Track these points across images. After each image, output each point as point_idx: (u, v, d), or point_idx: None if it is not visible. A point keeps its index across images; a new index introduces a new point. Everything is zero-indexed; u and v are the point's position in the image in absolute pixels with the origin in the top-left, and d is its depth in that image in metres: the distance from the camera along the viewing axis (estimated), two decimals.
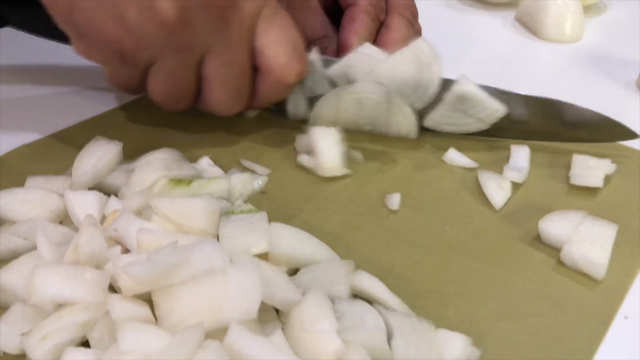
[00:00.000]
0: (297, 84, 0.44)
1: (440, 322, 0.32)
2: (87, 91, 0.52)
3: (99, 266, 0.32)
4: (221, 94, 0.42)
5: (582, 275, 0.36)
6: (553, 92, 0.54)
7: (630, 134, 0.45)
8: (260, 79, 0.43)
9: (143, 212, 0.35)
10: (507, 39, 0.63)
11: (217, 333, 0.27)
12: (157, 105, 0.43)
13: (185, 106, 0.44)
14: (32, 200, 0.35)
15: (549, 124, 0.46)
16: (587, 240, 0.36)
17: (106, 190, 0.38)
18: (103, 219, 0.36)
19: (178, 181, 0.37)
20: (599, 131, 0.45)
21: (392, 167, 0.45)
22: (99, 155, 0.39)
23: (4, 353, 0.30)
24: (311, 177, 0.43)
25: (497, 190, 0.41)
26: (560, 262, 0.37)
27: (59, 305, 0.30)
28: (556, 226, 0.37)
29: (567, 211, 0.38)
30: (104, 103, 0.50)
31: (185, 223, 0.33)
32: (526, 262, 0.37)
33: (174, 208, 0.33)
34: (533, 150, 0.46)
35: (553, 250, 0.37)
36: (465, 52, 0.61)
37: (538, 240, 0.38)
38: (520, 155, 0.45)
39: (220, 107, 0.43)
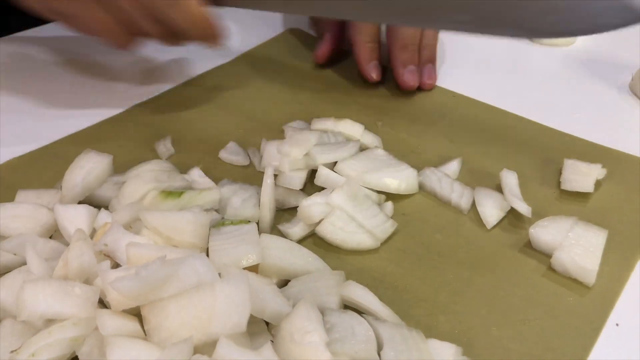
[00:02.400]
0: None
1: (431, 331, 0.32)
2: (78, 103, 0.51)
3: (88, 281, 0.32)
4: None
5: (572, 282, 0.36)
6: (546, 96, 0.55)
7: None
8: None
9: (133, 225, 0.35)
10: (500, 42, 0.63)
11: (207, 347, 0.27)
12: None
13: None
14: (22, 215, 0.35)
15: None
16: (578, 246, 0.36)
17: (96, 203, 0.38)
18: (93, 232, 0.36)
19: (169, 193, 0.37)
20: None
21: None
22: (89, 168, 0.39)
23: None
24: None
25: (493, 210, 0.41)
26: (551, 269, 0.37)
27: (49, 321, 0.30)
28: (547, 232, 0.37)
29: (558, 217, 0.38)
30: (94, 115, 0.50)
31: (174, 237, 0.33)
32: (517, 269, 0.37)
33: (163, 221, 0.33)
34: (524, 153, 0.46)
35: (544, 256, 0.37)
36: (458, 55, 0.61)
37: (529, 247, 0.38)
38: (511, 181, 0.43)
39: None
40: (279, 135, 0.47)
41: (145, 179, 0.38)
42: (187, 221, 0.34)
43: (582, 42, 0.65)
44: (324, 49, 0.57)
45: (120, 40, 0.47)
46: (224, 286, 0.28)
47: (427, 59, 0.55)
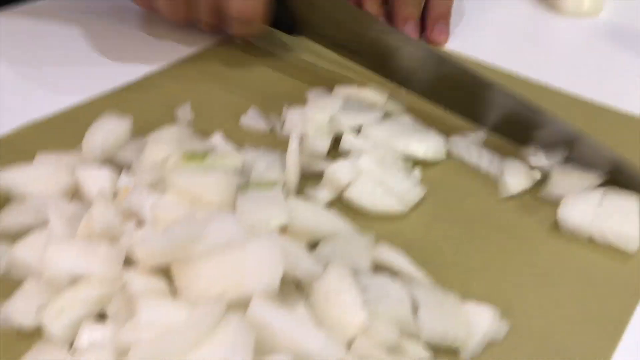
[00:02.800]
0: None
1: (466, 295, 0.31)
2: (95, 70, 0.50)
3: (112, 241, 0.31)
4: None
5: (611, 250, 0.35)
6: (571, 69, 0.53)
7: None
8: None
9: (157, 187, 0.34)
10: (523, 13, 0.61)
11: (238, 306, 0.26)
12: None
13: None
14: (43, 177, 0.35)
15: None
16: (615, 214, 0.35)
17: (117, 165, 0.37)
18: (114, 195, 0.35)
19: (192, 155, 0.36)
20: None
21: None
22: (109, 130, 0.38)
23: (20, 328, 0.29)
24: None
25: (518, 178, 0.39)
26: (590, 238, 0.35)
27: (74, 281, 0.29)
28: (577, 207, 0.36)
29: (584, 193, 0.37)
30: (114, 80, 0.48)
31: (200, 197, 0.32)
32: (554, 234, 0.36)
33: (190, 182, 0.32)
34: None
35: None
36: (480, 27, 0.59)
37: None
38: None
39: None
40: (301, 103, 0.46)
41: (167, 142, 0.37)
42: (214, 182, 0.32)
43: (608, 13, 0.63)
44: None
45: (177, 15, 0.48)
46: (255, 245, 0.27)
47: (439, 15, 0.54)
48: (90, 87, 0.47)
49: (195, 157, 0.36)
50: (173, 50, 0.53)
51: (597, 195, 0.36)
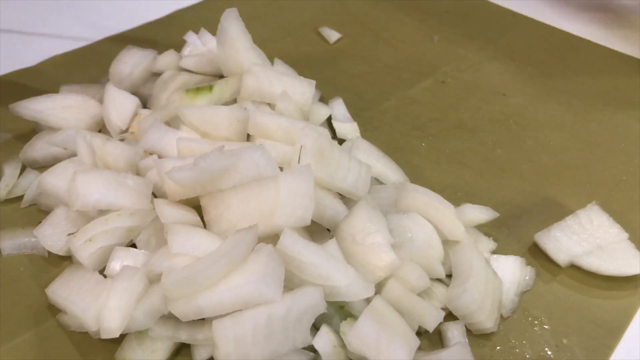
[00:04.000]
0: None
1: (495, 242, 0.31)
2: (120, 4, 0.49)
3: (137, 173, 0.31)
4: None
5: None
6: (614, 21, 0.50)
7: None
8: None
9: (171, 123, 0.34)
10: None
11: (269, 239, 0.26)
12: None
13: None
14: (71, 106, 0.34)
15: None
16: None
17: (141, 99, 0.37)
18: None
19: (198, 89, 0.35)
20: None
21: (441, 89, 0.42)
22: (134, 63, 0.37)
23: (49, 254, 0.29)
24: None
25: None
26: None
27: (102, 211, 0.29)
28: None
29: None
30: (137, 18, 0.47)
31: (211, 132, 0.32)
32: (585, 182, 0.35)
33: (201, 117, 0.32)
34: (590, 76, 0.43)
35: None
36: None
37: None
38: None
39: None
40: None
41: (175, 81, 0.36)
42: (224, 116, 0.32)
43: None
44: None
45: None
46: (287, 179, 0.26)
47: None
48: (114, 24, 0.46)
49: (202, 90, 0.35)
50: None
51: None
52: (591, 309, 0.29)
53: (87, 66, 0.42)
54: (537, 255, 0.31)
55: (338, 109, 0.38)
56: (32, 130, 0.35)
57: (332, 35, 0.46)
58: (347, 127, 0.37)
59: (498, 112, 0.40)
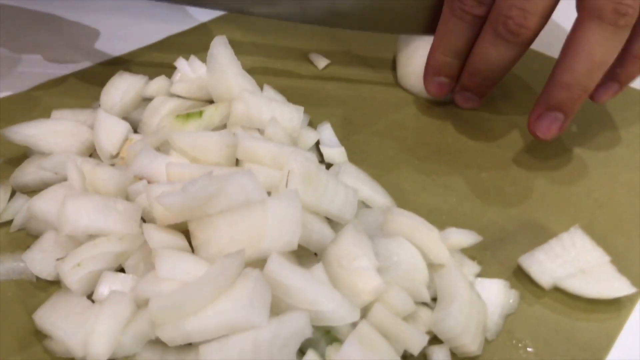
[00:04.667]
0: None
1: (480, 265, 0.32)
2: (111, 31, 0.50)
3: (126, 198, 0.31)
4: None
5: None
6: None
7: None
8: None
9: (161, 148, 0.34)
10: None
11: (256, 264, 0.26)
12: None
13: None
14: (62, 131, 0.35)
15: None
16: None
17: (132, 124, 0.37)
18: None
19: (188, 115, 0.36)
20: None
21: (427, 114, 0.43)
22: (125, 89, 0.38)
23: (37, 279, 0.29)
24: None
25: None
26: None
27: (91, 236, 0.29)
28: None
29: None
30: (127, 44, 0.48)
31: (201, 157, 0.32)
32: (568, 205, 0.36)
33: (190, 142, 0.32)
34: None
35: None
36: None
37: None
38: None
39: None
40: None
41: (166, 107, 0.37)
42: (214, 141, 0.32)
43: None
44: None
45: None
46: (275, 203, 0.27)
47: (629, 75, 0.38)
48: (107, 49, 0.47)
49: (192, 115, 0.36)
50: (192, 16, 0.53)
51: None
52: (575, 332, 0.29)
53: (79, 91, 0.42)
54: (521, 278, 0.32)
55: (325, 133, 0.39)
56: (23, 154, 0.36)
57: (321, 61, 0.47)
58: (334, 151, 0.37)
59: (483, 136, 0.41)
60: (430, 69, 0.41)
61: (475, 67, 0.39)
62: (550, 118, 0.37)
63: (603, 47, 0.34)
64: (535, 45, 0.39)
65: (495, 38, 0.37)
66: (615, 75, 0.38)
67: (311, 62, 0.47)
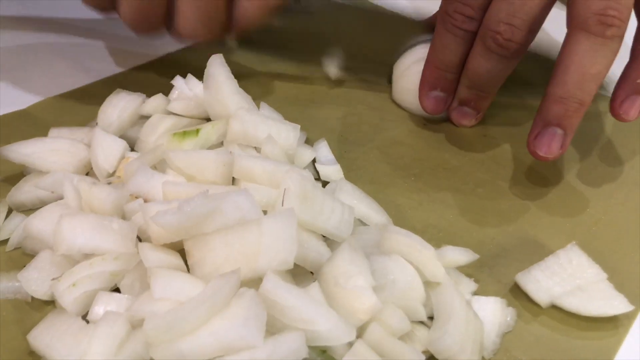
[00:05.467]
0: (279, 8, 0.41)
1: (477, 283, 0.31)
2: (108, 49, 0.50)
3: (123, 217, 0.31)
4: (190, 17, 0.40)
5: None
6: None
7: None
8: (239, 2, 0.40)
9: (157, 166, 0.35)
10: None
11: (252, 283, 0.26)
12: (129, 28, 0.41)
13: (155, 30, 0.42)
14: (59, 150, 0.35)
15: None
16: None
17: (129, 142, 0.37)
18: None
19: (184, 133, 0.36)
20: None
21: (423, 130, 0.43)
22: (122, 107, 0.38)
23: (32, 298, 0.29)
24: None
25: None
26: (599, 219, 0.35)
27: (87, 255, 0.29)
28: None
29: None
30: (124, 62, 0.49)
31: (197, 175, 0.32)
32: (564, 222, 0.36)
33: (187, 161, 0.32)
34: None
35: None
36: None
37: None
38: None
39: (189, 31, 0.41)
40: None
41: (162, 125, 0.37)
42: (210, 160, 0.32)
43: None
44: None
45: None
46: (270, 222, 0.27)
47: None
48: (106, 67, 0.48)
49: (189, 133, 0.36)
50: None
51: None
52: (572, 350, 0.29)
53: (76, 109, 0.43)
54: (518, 296, 0.32)
55: (322, 151, 0.39)
56: (20, 173, 0.36)
57: (333, 69, 0.48)
58: (329, 169, 0.38)
59: (479, 152, 0.41)
60: (425, 83, 0.42)
61: (470, 80, 0.40)
62: (549, 135, 0.36)
63: (592, 59, 0.34)
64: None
65: (486, 52, 0.38)
66: (637, 86, 0.37)
67: (308, 80, 0.48)
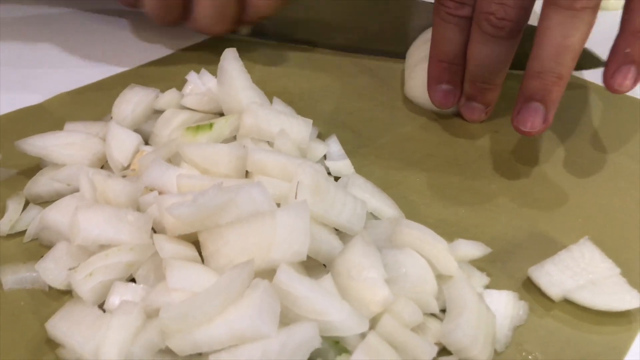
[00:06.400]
0: None
1: (489, 277, 0.32)
2: (124, 44, 0.51)
3: (138, 209, 0.31)
4: (207, 8, 0.45)
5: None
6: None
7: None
8: None
9: (172, 160, 0.35)
10: None
11: (265, 274, 0.27)
12: (151, 18, 0.47)
13: (175, 21, 0.47)
14: (74, 143, 0.35)
15: None
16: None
17: (143, 136, 0.38)
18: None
19: (198, 127, 0.36)
20: None
21: (435, 126, 0.43)
22: (136, 101, 0.38)
23: (50, 288, 0.30)
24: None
25: None
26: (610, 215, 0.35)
27: (102, 246, 0.30)
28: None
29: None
30: (139, 57, 0.49)
31: (211, 169, 0.32)
32: (577, 217, 0.36)
33: (201, 154, 0.32)
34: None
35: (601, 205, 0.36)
36: None
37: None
38: None
39: (206, 22, 0.46)
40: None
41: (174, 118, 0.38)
42: (224, 153, 0.32)
43: None
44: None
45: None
46: (284, 214, 0.27)
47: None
48: (122, 62, 0.48)
49: (202, 127, 0.36)
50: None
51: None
52: (584, 344, 0.29)
53: (91, 104, 0.43)
54: (530, 290, 0.32)
55: (333, 146, 0.39)
56: (36, 166, 0.36)
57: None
58: (339, 164, 0.38)
59: (490, 148, 0.41)
60: (431, 78, 0.42)
61: (474, 71, 0.40)
62: (529, 110, 0.37)
63: (564, 31, 0.34)
64: None
65: (483, 36, 0.38)
66: (626, 56, 0.37)
67: (319, 75, 0.48)
